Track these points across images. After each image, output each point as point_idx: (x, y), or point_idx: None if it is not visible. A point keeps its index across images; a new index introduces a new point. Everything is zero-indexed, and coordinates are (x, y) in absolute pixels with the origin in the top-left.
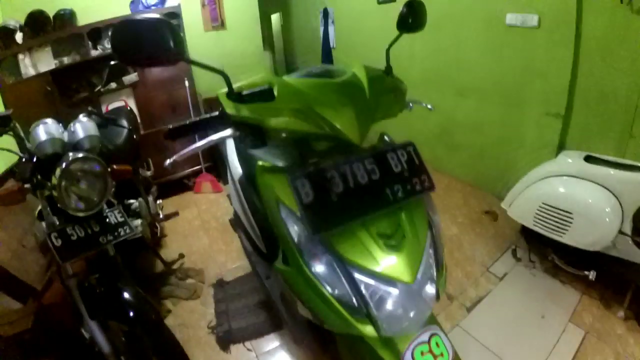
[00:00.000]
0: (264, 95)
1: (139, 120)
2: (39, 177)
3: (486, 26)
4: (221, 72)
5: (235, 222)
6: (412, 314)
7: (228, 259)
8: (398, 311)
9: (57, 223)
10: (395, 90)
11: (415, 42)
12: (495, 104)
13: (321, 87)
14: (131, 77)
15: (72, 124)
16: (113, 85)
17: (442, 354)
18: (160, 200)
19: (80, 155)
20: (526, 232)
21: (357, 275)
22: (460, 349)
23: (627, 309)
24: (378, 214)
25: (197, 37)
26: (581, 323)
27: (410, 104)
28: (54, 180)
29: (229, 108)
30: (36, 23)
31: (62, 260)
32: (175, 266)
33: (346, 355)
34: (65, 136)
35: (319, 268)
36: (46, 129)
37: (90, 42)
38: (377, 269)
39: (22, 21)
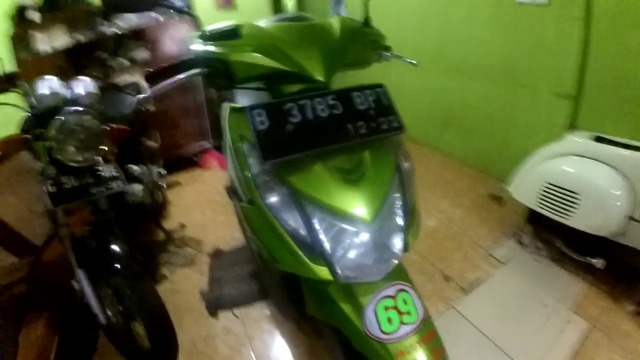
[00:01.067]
0: (230, 34)
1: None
2: (40, 130)
3: (497, 4)
4: (191, 14)
5: (230, 190)
6: (372, 261)
7: (228, 231)
8: (356, 254)
9: (54, 173)
10: (373, 41)
11: (426, 20)
12: (505, 85)
13: (287, 28)
14: (142, 54)
15: (73, 82)
16: (126, 63)
17: (409, 312)
18: (165, 171)
19: (77, 108)
20: (532, 218)
21: (309, 208)
22: (452, 332)
23: (638, 304)
24: (338, 150)
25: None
26: (586, 315)
27: (389, 55)
28: (51, 132)
29: (195, 45)
30: (52, 1)
31: (54, 204)
32: (176, 235)
33: (313, 312)
34: (68, 93)
35: (272, 199)
36: (49, 84)
37: (104, 20)
38: (332, 202)
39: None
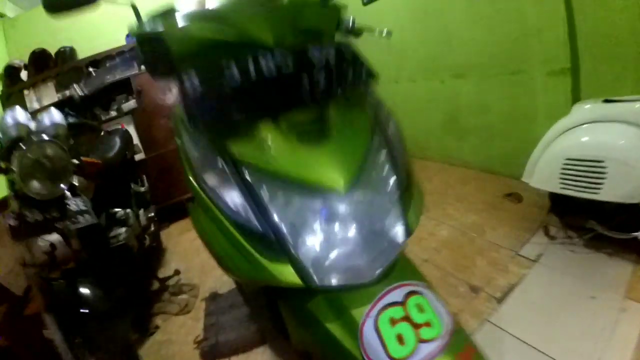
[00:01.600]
0: (167, 14)
1: (136, 142)
2: (6, 162)
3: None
4: (132, 5)
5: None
6: (359, 252)
7: None
8: (332, 242)
9: (17, 206)
10: (330, 10)
11: (405, 32)
12: (497, 78)
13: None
14: (129, 104)
15: (40, 114)
16: (113, 113)
17: (428, 323)
18: (153, 214)
19: (41, 138)
20: (556, 206)
21: (257, 183)
22: (492, 349)
23: None
24: (292, 111)
25: None
26: None
27: (351, 23)
28: (14, 163)
29: (134, 30)
30: (39, 60)
31: (15, 238)
32: (170, 282)
33: (298, 342)
34: (33, 125)
35: (209, 179)
36: (12, 115)
37: (91, 74)
38: (284, 168)
39: (26, 60)
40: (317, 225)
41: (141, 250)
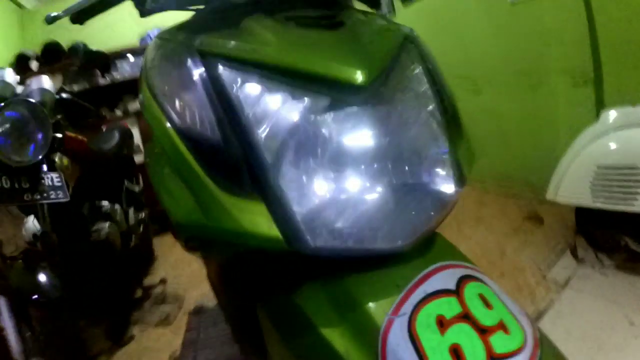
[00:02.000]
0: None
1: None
2: None
3: (489, 10)
4: None
5: None
6: (382, 197)
7: None
8: (337, 174)
9: None
10: None
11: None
12: (516, 93)
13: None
14: (136, 105)
15: (29, 79)
16: (119, 113)
17: (502, 326)
18: (143, 216)
19: (21, 99)
20: (583, 225)
21: (226, 77)
22: None
23: None
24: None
25: None
26: None
27: None
28: None
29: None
30: (50, 53)
31: None
32: (154, 291)
33: (277, 354)
34: (20, 89)
35: (168, 83)
36: (1, 74)
37: (99, 72)
38: (276, 56)
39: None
40: (315, 144)
41: (125, 250)
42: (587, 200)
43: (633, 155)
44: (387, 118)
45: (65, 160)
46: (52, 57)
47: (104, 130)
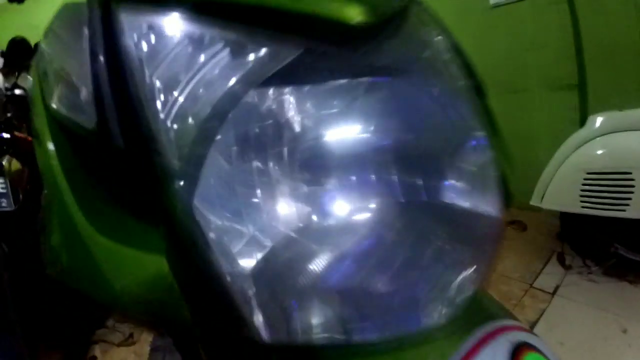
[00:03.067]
0: None
1: None
2: None
3: (470, 15)
4: None
5: None
6: (390, 244)
7: None
8: (323, 193)
9: None
10: None
11: None
12: (499, 98)
13: None
14: None
15: None
16: None
17: None
18: None
19: None
20: (570, 229)
21: (128, 24)
22: None
23: None
24: None
25: None
26: None
27: None
28: None
29: None
30: (16, 49)
31: None
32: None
33: None
34: None
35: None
36: None
37: None
38: None
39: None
40: (275, 138)
41: None
42: (575, 206)
43: (624, 160)
44: (394, 96)
45: (15, 164)
46: (18, 53)
47: None
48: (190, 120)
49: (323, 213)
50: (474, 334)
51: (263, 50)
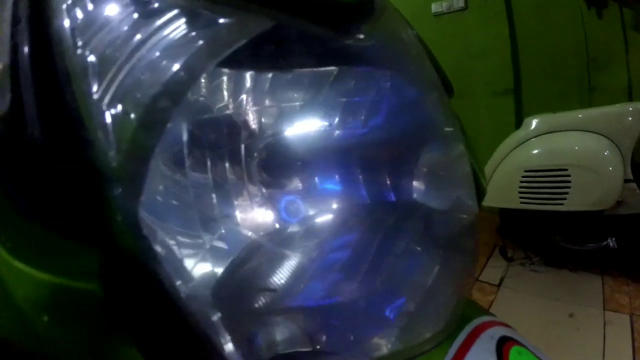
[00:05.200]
0: None
1: None
2: None
3: (413, 20)
4: None
5: None
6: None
7: None
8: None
9: None
10: None
11: None
12: None
13: None
14: None
15: None
16: None
17: None
18: None
19: None
20: (509, 224)
21: None
22: None
23: None
24: None
25: None
26: (619, 307)
27: None
28: None
29: None
30: None
31: None
32: None
33: None
34: None
35: None
36: None
37: None
38: None
39: None
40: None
41: None
42: (514, 202)
43: (560, 157)
44: (361, 88)
45: None
46: None
47: None
48: (133, 102)
49: (285, 217)
50: (457, 338)
51: (224, 21)
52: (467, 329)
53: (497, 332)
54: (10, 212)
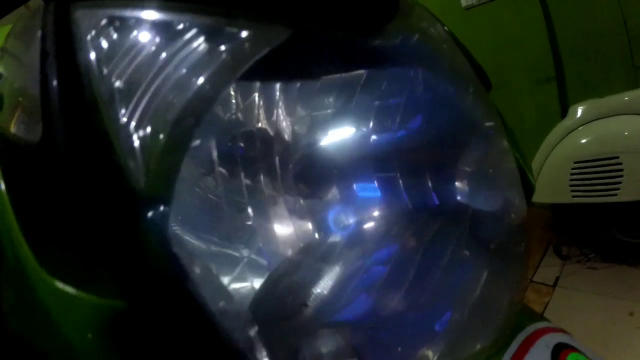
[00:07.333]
0: None
1: None
2: None
3: (444, 17)
4: None
5: None
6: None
7: None
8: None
9: None
10: None
11: None
12: None
13: None
14: None
15: None
16: None
17: None
18: None
19: None
20: (563, 220)
21: (82, 13)
22: None
23: None
24: None
25: None
26: None
27: None
28: None
29: None
30: None
31: None
32: None
33: None
34: None
35: None
36: None
37: None
38: None
39: None
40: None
41: None
42: (566, 196)
43: (610, 145)
44: (394, 90)
45: None
46: None
47: None
48: (158, 123)
49: (325, 228)
50: (509, 348)
51: (244, 34)
52: (520, 337)
53: (553, 339)
54: (53, 240)
